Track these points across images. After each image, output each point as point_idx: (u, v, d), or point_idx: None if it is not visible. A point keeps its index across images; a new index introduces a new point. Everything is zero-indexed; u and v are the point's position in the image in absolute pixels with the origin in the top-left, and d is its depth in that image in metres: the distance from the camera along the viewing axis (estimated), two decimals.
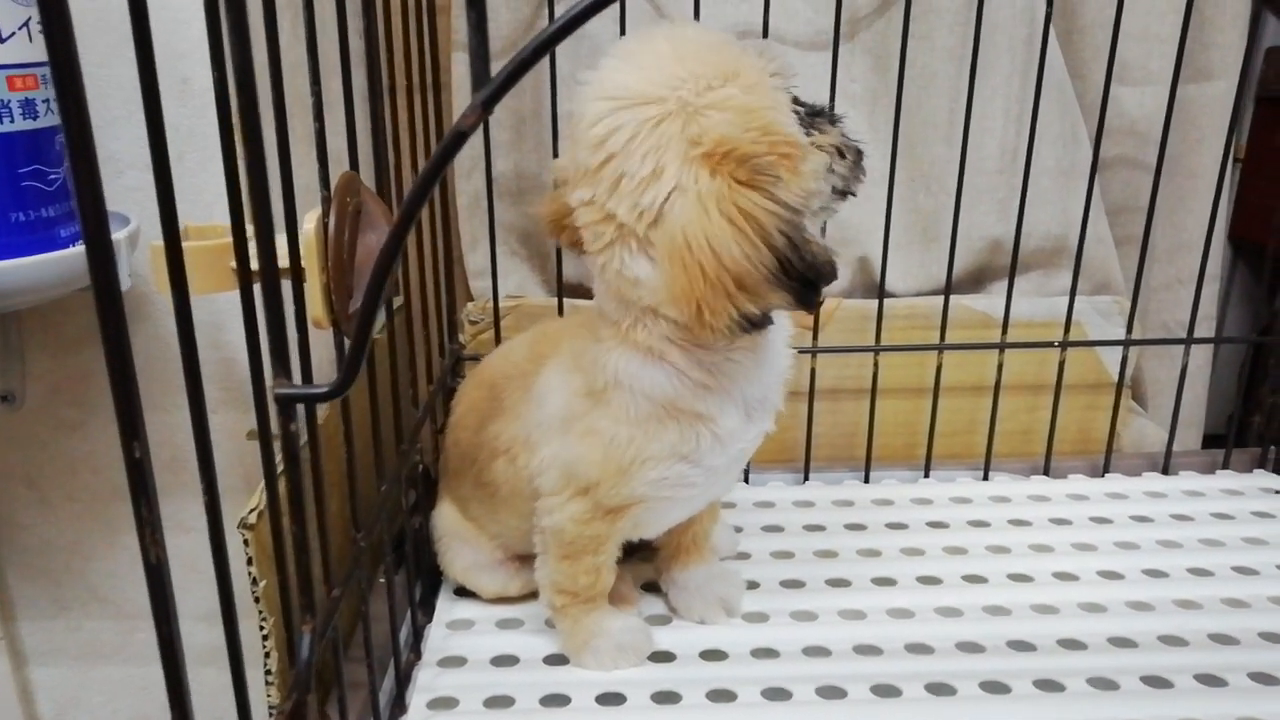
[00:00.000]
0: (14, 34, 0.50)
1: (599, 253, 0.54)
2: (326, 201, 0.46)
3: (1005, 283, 0.89)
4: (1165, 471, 0.94)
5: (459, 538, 0.72)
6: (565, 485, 0.61)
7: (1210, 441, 1.14)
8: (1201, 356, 1.11)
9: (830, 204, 0.57)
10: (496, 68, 0.25)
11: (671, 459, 0.59)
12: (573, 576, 0.64)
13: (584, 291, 1.00)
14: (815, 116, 0.56)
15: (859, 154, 0.57)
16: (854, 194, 0.58)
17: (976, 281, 1.02)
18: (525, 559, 0.70)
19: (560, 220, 0.59)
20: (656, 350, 0.56)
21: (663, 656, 0.67)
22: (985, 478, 0.93)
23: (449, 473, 0.74)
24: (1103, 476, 0.93)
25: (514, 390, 0.66)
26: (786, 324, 0.63)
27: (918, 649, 0.68)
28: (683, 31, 0.54)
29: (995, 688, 0.63)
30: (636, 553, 0.76)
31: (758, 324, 0.52)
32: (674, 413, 0.58)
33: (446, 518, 0.73)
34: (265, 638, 0.56)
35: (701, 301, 0.50)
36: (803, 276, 0.50)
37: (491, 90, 0.23)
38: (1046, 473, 0.94)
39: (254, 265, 0.38)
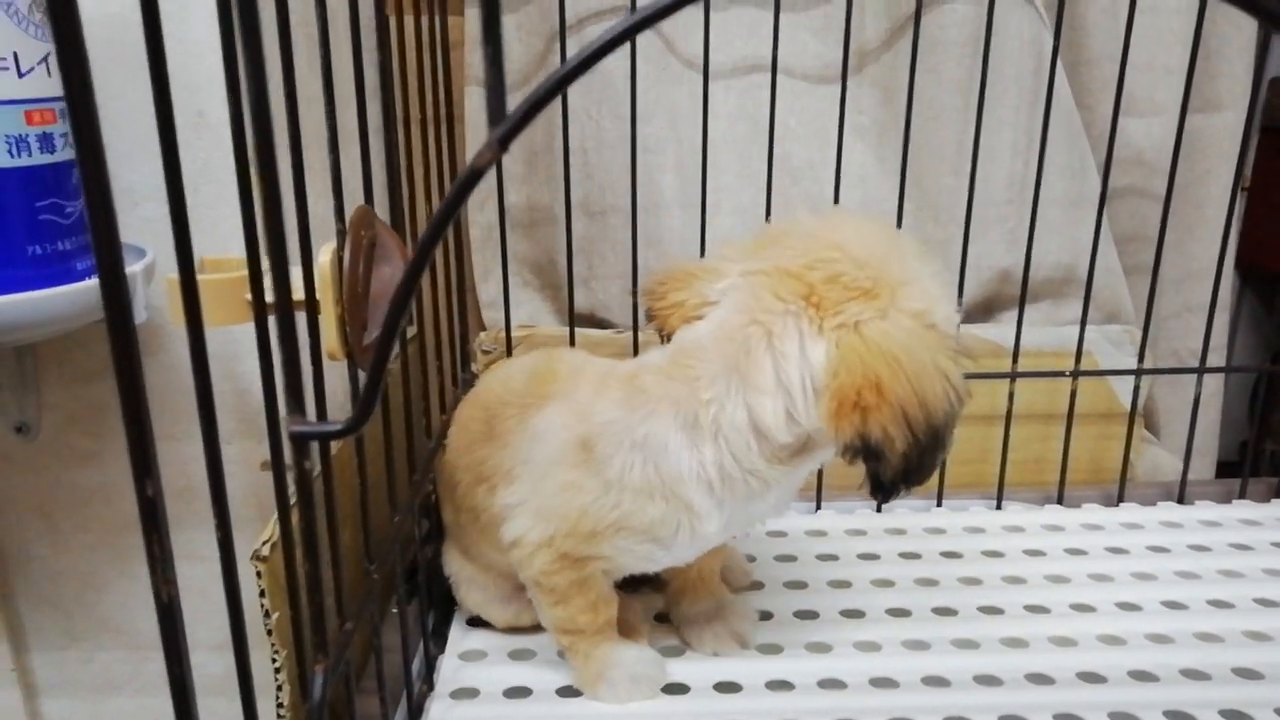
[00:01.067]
0: (33, 69, 0.51)
1: (756, 320, 0.54)
2: (341, 235, 0.46)
3: (1015, 312, 0.89)
4: (1181, 501, 0.93)
5: (465, 579, 0.72)
6: (531, 530, 0.60)
7: (1223, 470, 1.13)
8: (1213, 384, 1.11)
9: None
10: (511, 101, 0.26)
11: (644, 535, 0.58)
12: (570, 618, 0.63)
13: (595, 321, 1.00)
14: None
15: None
16: None
17: (986, 311, 1.02)
18: None
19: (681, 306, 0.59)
20: (706, 438, 0.55)
21: (676, 689, 0.66)
22: (998, 507, 0.93)
23: (441, 500, 0.73)
24: (1117, 506, 0.93)
25: (509, 418, 0.64)
26: (795, 485, 0.62)
27: (934, 681, 0.67)
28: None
29: None
30: (646, 584, 0.76)
31: (860, 455, 0.52)
32: (667, 495, 0.57)
33: (453, 558, 0.73)
34: (278, 670, 0.56)
35: (888, 406, 0.50)
36: (938, 450, 0.52)
37: (508, 128, 0.23)
38: (1060, 502, 0.93)
39: (269, 298, 0.38)
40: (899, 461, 0.51)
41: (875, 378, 0.50)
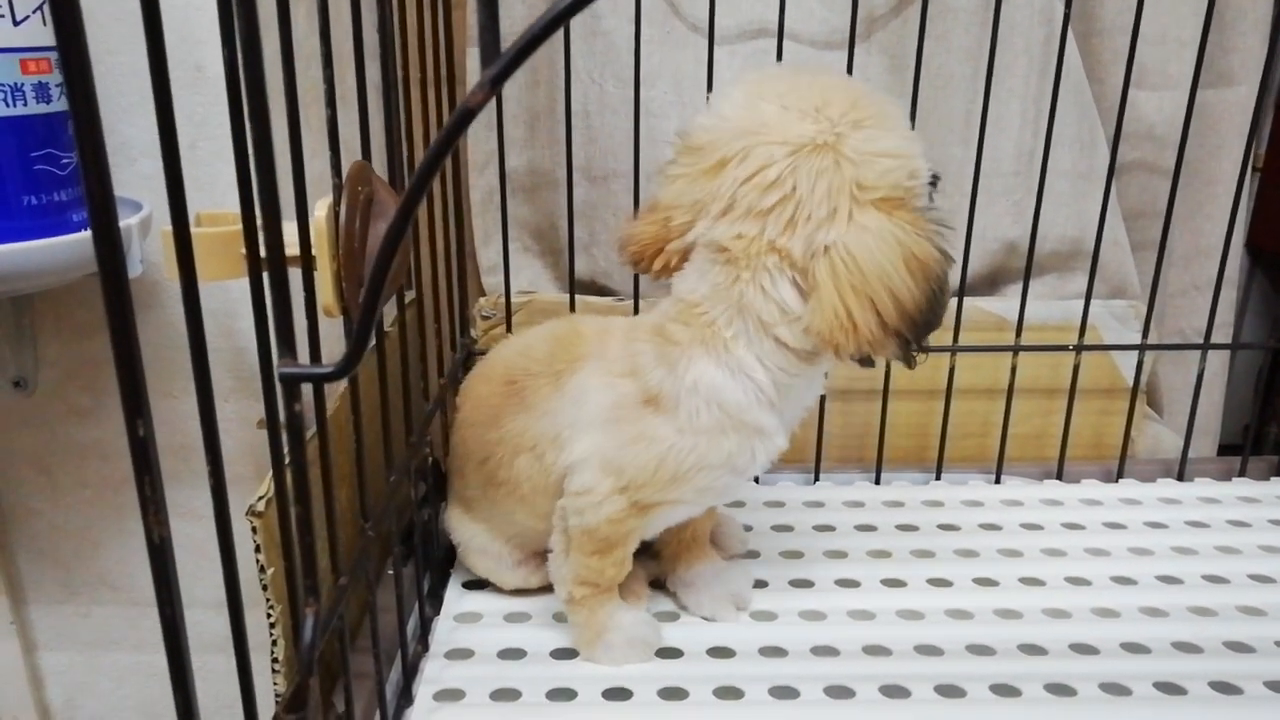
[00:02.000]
0: (28, 17, 0.51)
1: (740, 278, 0.57)
2: (338, 190, 0.46)
3: (1020, 285, 0.88)
4: (1180, 478, 0.93)
5: (475, 549, 0.73)
6: (602, 482, 0.61)
7: (1226, 450, 1.12)
8: (1217, 363, 1.10)
9: None
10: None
11: (724, 469, 0.61)
12: (600, 570, 0.64)
13: (595, 288, 1.00)
14: None
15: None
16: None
17: (991, 284, 1.01)
18: (544, 555, 0.69)
19: (656, 247, 0.61)
20: (746, 365, 0.58)
21: (670, 653, 0.67)
22: (997, 481, 0.93)
23: (454, 473, 0.73)
24: (1117, 482, 0.93)
25: (541, 386, 0.65)
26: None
27: (927, 650, 0.67)
28: (800, 73, 0.58)
29: (1005, 690, 0.62)
30: (643, 551, 0.76)
31: (866, 363, 0.57)
32: (738, 425, 0.60)
33: (461, 528, 0.73)
34: (272, 625, 0.56)
35: (863, 331, 0.53)
36: (932, 321, 0.55)
37: (500, 67, 0.23)
38: (1060, 477, 0.93)
39: (264, 252, 0.38)
40: (898, 352, 0.55)
41: (846, 313, 0.54)
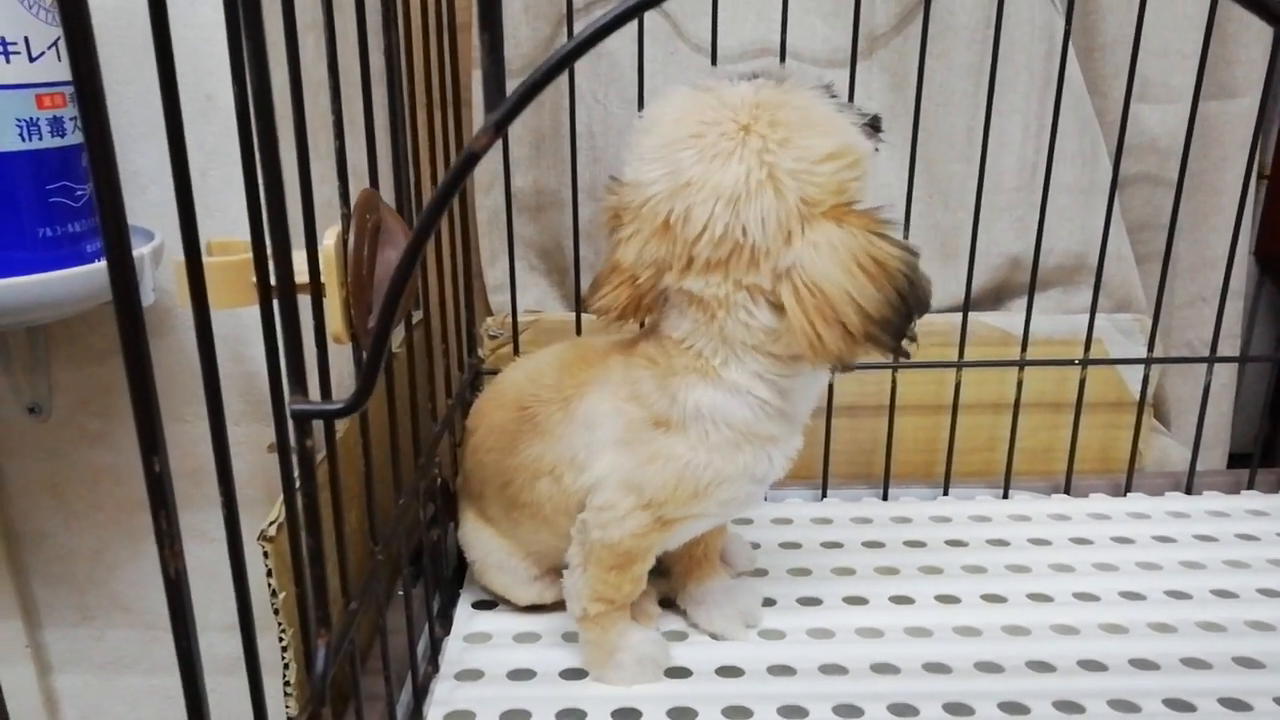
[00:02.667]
0: (43, 54, 0.52)
1: (717, 316, 0.58)
2: (346, 218, 0.47)
3: (1025, 300, 0.88)
4: (1189, 491, 0.93)
5: (493, 565, 0.73)
6: (624, 499, 0.62)
7: (1237, 462, 1.12)
8: (1226, 375, 1.10)
9: None
10: (514, 85, 0.26)
11: (743, 479, 0.61)
12: (618, 586, 0.64)
13: None
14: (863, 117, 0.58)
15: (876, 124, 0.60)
16: None
17: (996, 298, 1.01)
18: (559, 571, 0.70)
19: (633, 305, 0.62)
20: (743, 385, 0.59)
21: (679, 672, 0.67)
22: (1005, 496, 0.93)
23: (472, 495, 0.74)
24: (1124, 496, 0.93)
25: (552, 413, 0.66)
26: None
27: (936, 668, 0.67)
28: (697, 93, 0.57)
29: (1014, 708, 0.63)
30: (654, 569, 0.76)
31: (845, 368, 0.57)
32: (750, 437, 0.60)
33: (479, 544, 0.73)
34: (284, 649, 0.57)
35: (835, 344, 0.54)
36: (910, 313, 0.55)
37: (504, 112, 0.23)
38: (1067, 491, 0.93)
39: (274, 281, 0.39)
40: (881, 350, 0.55)
41: (814, 333, 0.54)
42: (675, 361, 0.60)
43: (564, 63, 0.24)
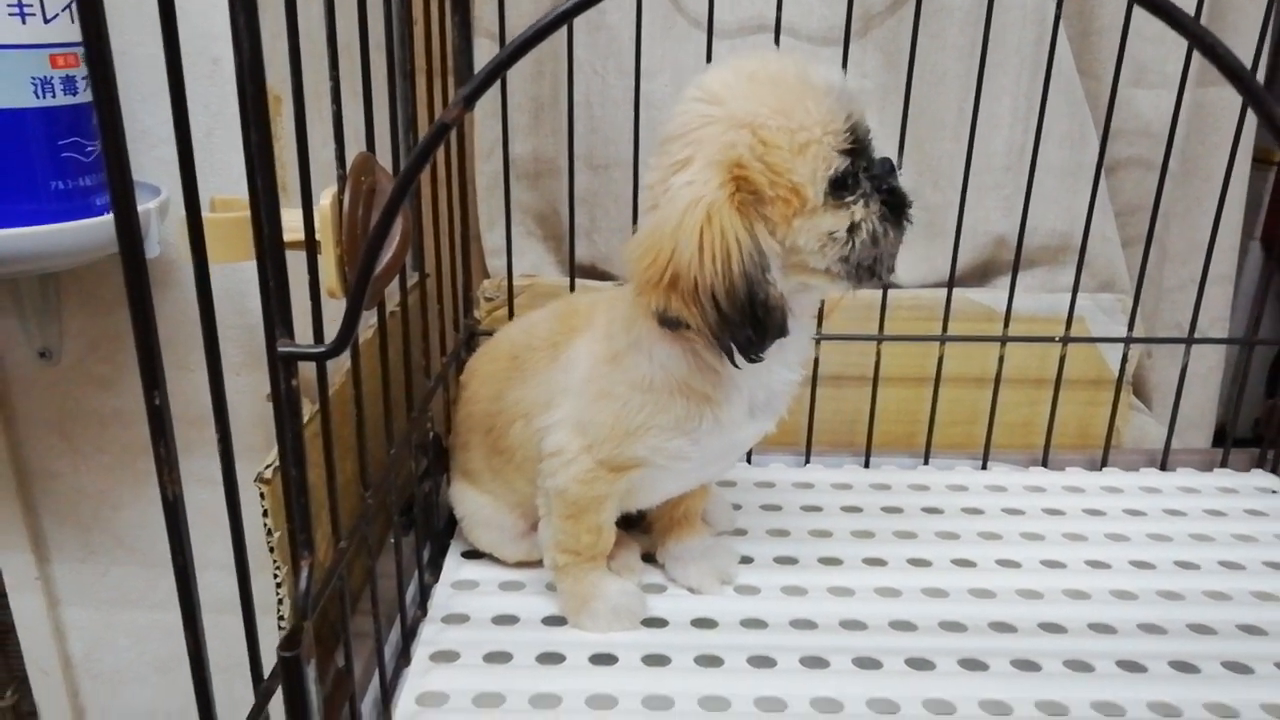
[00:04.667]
0: (57, 15, 0.54)
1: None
2: (342, 180, 0.49)
3: (1009, 277, 0.90)
4: (1163, 468, 0.96)
5: (480, 521, 0.76)
6: (572, 442, 0.64)
7: (1241, 443, 1.13)
8: (1214, 358, 1.12)
9: (836, 269, 0.58)
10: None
11: (674, 432, 0.63)
12: (575, 535, 0.67)
13: (596, 272, 1.03)
14: (877, 183, 0.57)
15: (881, 236, 0.57)
16: (880, 278, 0.59)
17: (981, 276, 1.03)
18: None
19: None
20: (683, 334, 0.60)
21: (656, 622, 0.70)
22: (984, 467, 0.95)
23: (459, 449, 0.77)
24: (1100, 470, 0.95)
25: (539, 359, 0.69)
26: (805, 338, 0.66)
27: (901, 626, 0.70)
28: (786, 62, 0.57)
29: (973, 665, 0.66)
30: (635, 526, 0.79)
31: (669, 325, 0.58)
32: (685, 390, 0.62)
33: (466, 500, 0.77)
34: (279, 585, 0.60)
35: (640, 277, 0.56)
36: (749, 316, 0.55)
37: (473, 87, 0.26)
38: (1045, 464, 0.95)
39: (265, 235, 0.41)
40: (707, 330, 0.55)
41: (638, 254, 0.56)
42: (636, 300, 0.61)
43: (529, 43, 0.26)
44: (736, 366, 0.58)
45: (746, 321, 0.55)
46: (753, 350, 0.56)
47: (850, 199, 0.56)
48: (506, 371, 0.71)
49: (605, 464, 0.64)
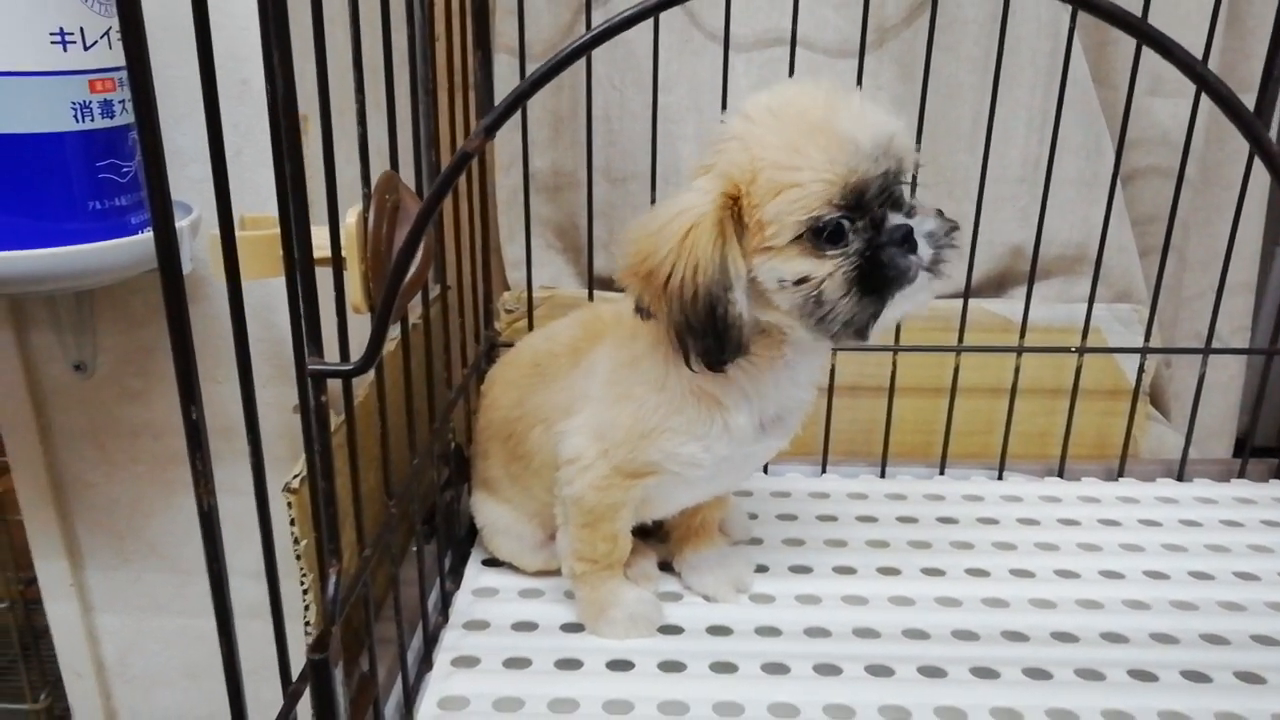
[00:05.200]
0: (96, 42, 0.56)
1: None
2: (367, 198, 0.51)
3: (1025, 288, 0.91)
4: (1180, 478, 0.96)
5: (499, 530, 0.77)
6: (589, 448, 0.66)
7: (1260, 453, 1.13)
8: (1234, 367, 1.12)
9: (794, 314, 0.58)
10: (534, 67, 0.29)
11: (686, 436, 0.64)
12: (592, 543, 0.68)
13: (615, 284, 1.04)
14: (870, 244, 0.56)
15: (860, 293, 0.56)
16: (835, 338, 0.58)
17: (998, 286, 1.04)
18: None
19: None
20: None
21: (671, 630, 0.71)
22: (1000, 477, 0.96)
23: (479, 457, 0.78)
24: (1117, 481, 0.95)
25: (561, 364, 0.71)
26: (816, 361, 0.67)
27: (914, 634, 0.71)
28: (821, 99, 0.57)
29: (985, 673, 0.66)
30: (652, 535, 0.81)
31: (641, 314, 0.61)
32: (697, 392, 0.63)
33: (487, 510, 0.78)
34: (305, 591, 0.62)
35: (625, 261, 0.59)
36: (709, 326, 0.57)
37: (494, 118, 0.27)
38: (1061, 475, 0.96)
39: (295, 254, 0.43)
40: (671, 328, 0.58)
41: (629, 240, 0.58)
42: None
43: (549, 75, 0.27)
44: (691, 369, 0.59)
45: (707, 330, 0.57)
46: (710, 358, 0.58)
47: (831, 252, 0.56)
48: (528, 378, 0.73)
49: (621, 469, 0.65)
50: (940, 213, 0.59)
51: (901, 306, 0.58)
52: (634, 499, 0.68)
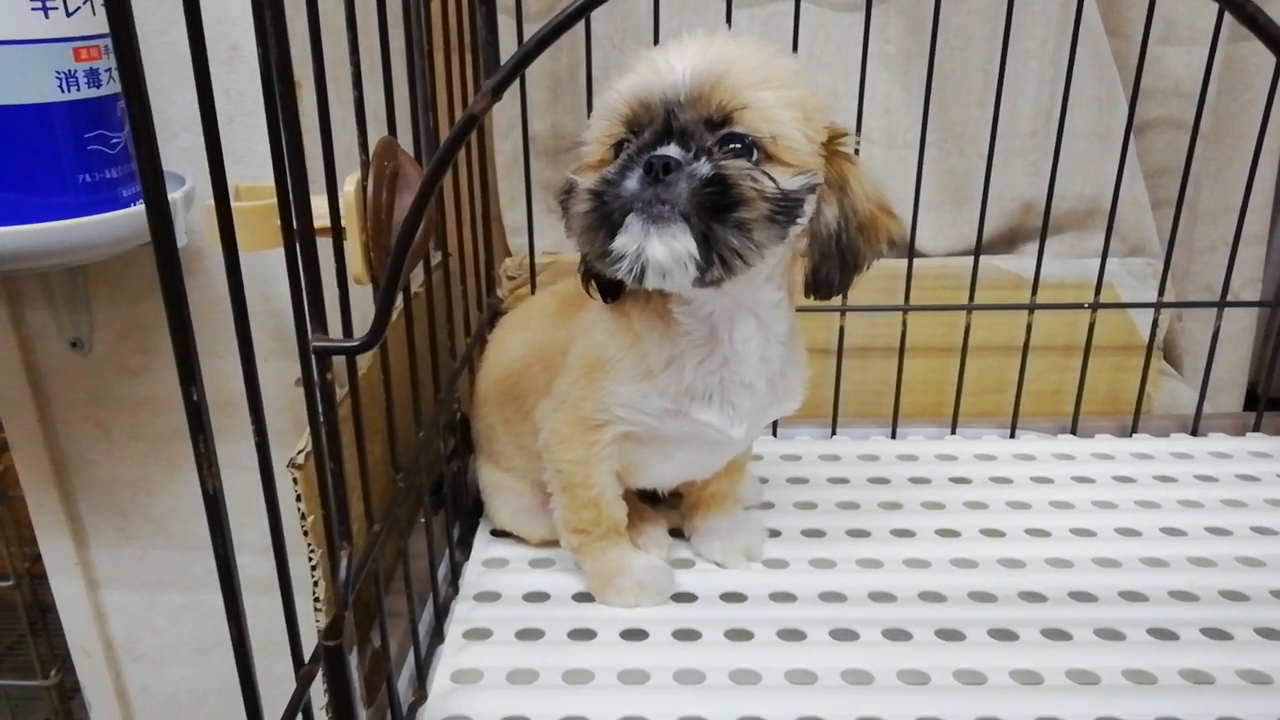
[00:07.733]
0: (79, 9, 0.54)
1: None
2: (365, 165, 0.49)
3: (1037, 244, 0.89)
4: (1194, 433, 0.95)
5: (502, 490, 0.77)
6: (557, 388, 0.67)
7: (1269, 405, 1.12)
8: (1245, 319, 1.10)
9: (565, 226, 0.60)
10: (534, 28, 0.27)
11: (623, 377, 0.63)
12: (575, 511, 0.68)
13: None
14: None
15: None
16: (619, 270, 0.55)
17: (1008, 242, 1.02)
18: None
19: None
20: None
21: (685, 597, 0.71)
22: (1012, 436, 0.95)
23: (479, 419, 0.78)
24: (1130, 437, 0.94)
25: (570, 311, 0.71)
26: (751, 351, 0.63)
27: (931, 597, 0.70)
28: (681, 44, 0.57)
29: (1003, 635, 0.66)
30: (662, 503, 0.80)
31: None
32: (636, 339, 0.63)
33: (488, 471, 0.78)
34: (313, 567, 0.61)
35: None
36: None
37: (500, 78, 0.26)
38: (1074, 432, 0.95)
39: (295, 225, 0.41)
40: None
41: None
42: None
43: (551, 36, 0.26)
44: (589, 294, 0.63)
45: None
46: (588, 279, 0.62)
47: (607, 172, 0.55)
48: (532, 322, 0.74)
49: (578, 415, 0.65)
50: (744, 164, 0.54)
51: (629, 247, 0.53)
52: (603, 460, 0.66)
